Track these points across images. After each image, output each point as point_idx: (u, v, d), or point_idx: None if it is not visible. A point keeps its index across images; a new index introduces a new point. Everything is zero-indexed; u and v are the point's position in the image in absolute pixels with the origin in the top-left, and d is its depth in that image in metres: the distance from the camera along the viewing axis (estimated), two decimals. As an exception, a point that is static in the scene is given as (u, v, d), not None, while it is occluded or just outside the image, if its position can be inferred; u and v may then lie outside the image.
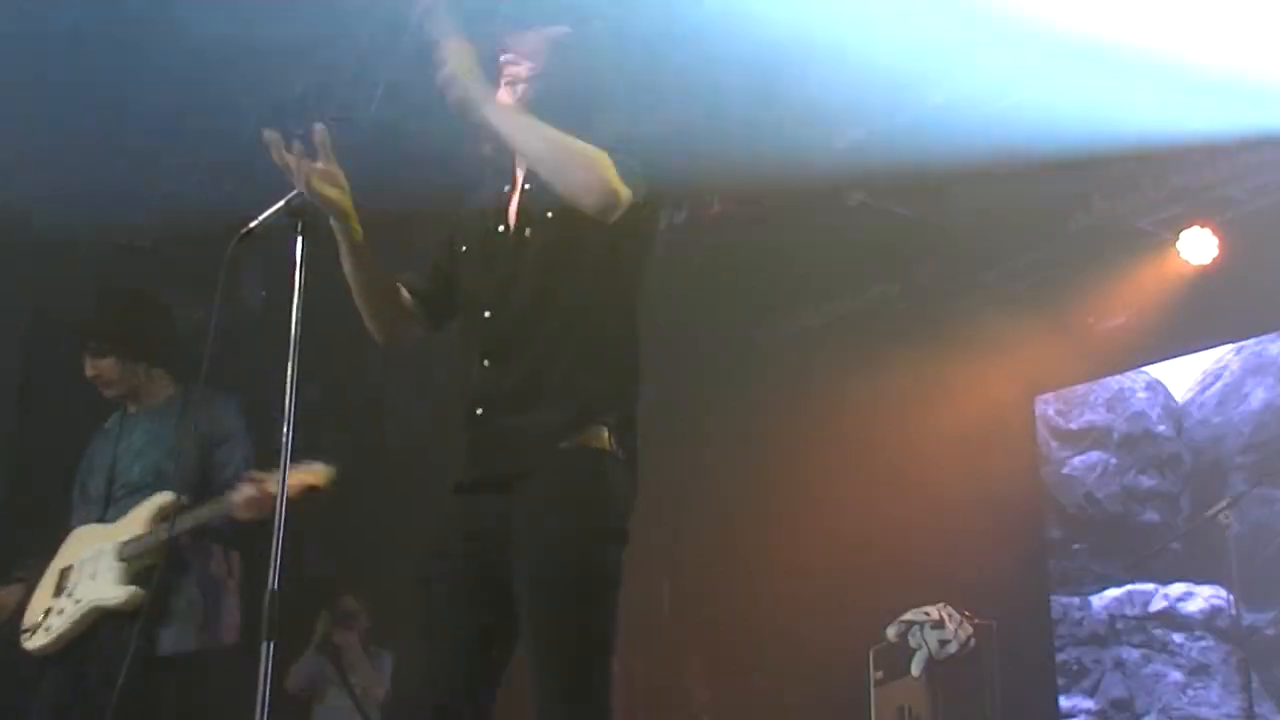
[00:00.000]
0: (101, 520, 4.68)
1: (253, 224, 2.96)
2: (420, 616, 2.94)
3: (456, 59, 2.86)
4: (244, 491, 4.25)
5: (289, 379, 2.87)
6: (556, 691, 2.75)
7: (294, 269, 2.93)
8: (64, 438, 5.12)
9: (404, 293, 3.16)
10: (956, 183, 6.43)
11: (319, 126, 2.87)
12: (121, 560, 4.50)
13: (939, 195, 6.90)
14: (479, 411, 2.98)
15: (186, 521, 4.37)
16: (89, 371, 4.78)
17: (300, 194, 2.89)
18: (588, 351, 2.94)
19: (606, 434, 2.90)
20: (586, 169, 2.81)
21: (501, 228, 3.07)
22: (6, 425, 7.32)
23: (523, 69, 3.02)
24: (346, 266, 3.02)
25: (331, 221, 2.93)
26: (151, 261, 7.00)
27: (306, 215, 2.93)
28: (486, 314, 3.02)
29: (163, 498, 4.58)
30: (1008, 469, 7.79)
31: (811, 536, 8.08)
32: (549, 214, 2.98)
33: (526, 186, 3.06)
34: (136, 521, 4.58)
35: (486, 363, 3.00)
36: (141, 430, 4.78)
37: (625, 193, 2.81)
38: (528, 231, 3.03)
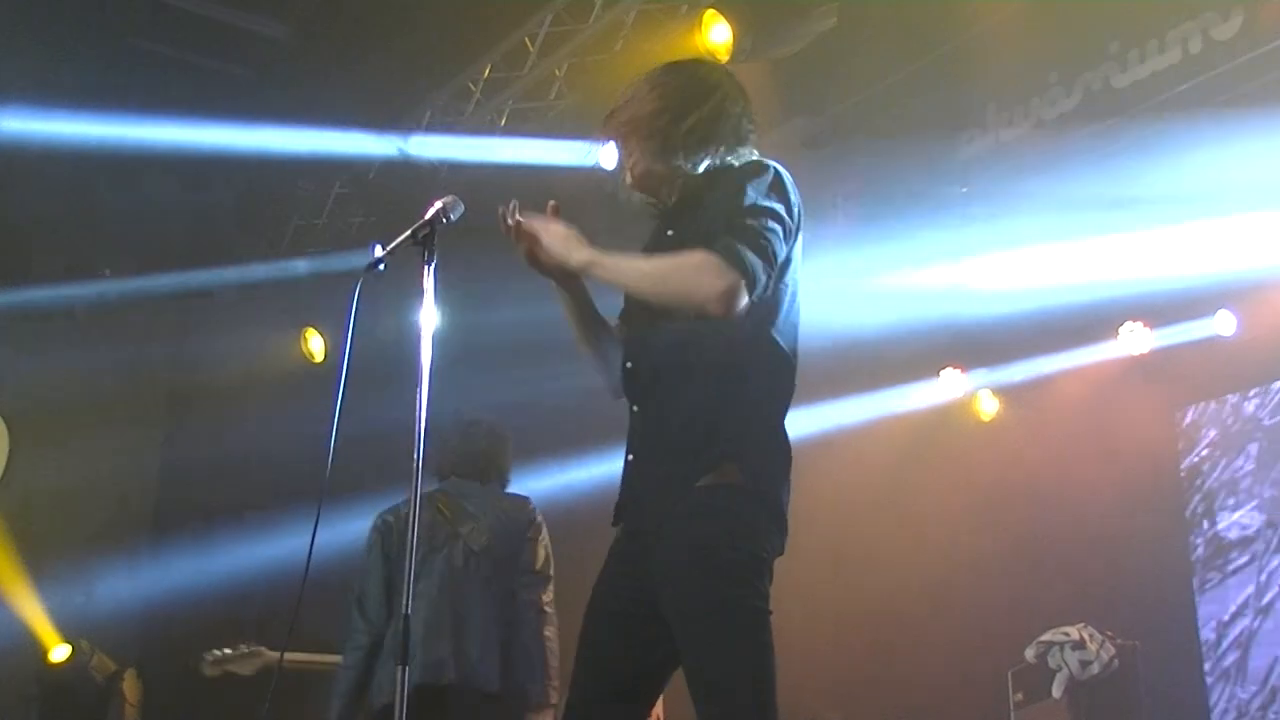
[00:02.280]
0: None
1: (381, 255, 3.01)
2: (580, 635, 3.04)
3: (550, 237, 2.94)
4: None
5: (419, 404, 2.91)
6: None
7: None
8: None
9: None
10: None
11: (552, 203, 3.01)
12: None
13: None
14: (629, 458, 3.06)
15: None
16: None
17: (426, 225, 2.96)
18: (711, 390, 2.94)
19: (735, 468, 2.90)
20: (692, 289, 2.82)
21: None
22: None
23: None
24: (571, 325, 3.14)
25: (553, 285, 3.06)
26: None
27: (432, 245, 2.98)
28: (628, 364, 3.07)
29: None
30: (1150, 484, 7.59)
31: (948, 555, 7.96)
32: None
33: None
34: None
35: (635, 409, 3.06)
36: None
37: (740, 284, 2.77)
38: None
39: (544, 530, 4.98)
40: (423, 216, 2.99)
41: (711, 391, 2.93)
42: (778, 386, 3.02)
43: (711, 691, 2.79)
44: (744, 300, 2.79)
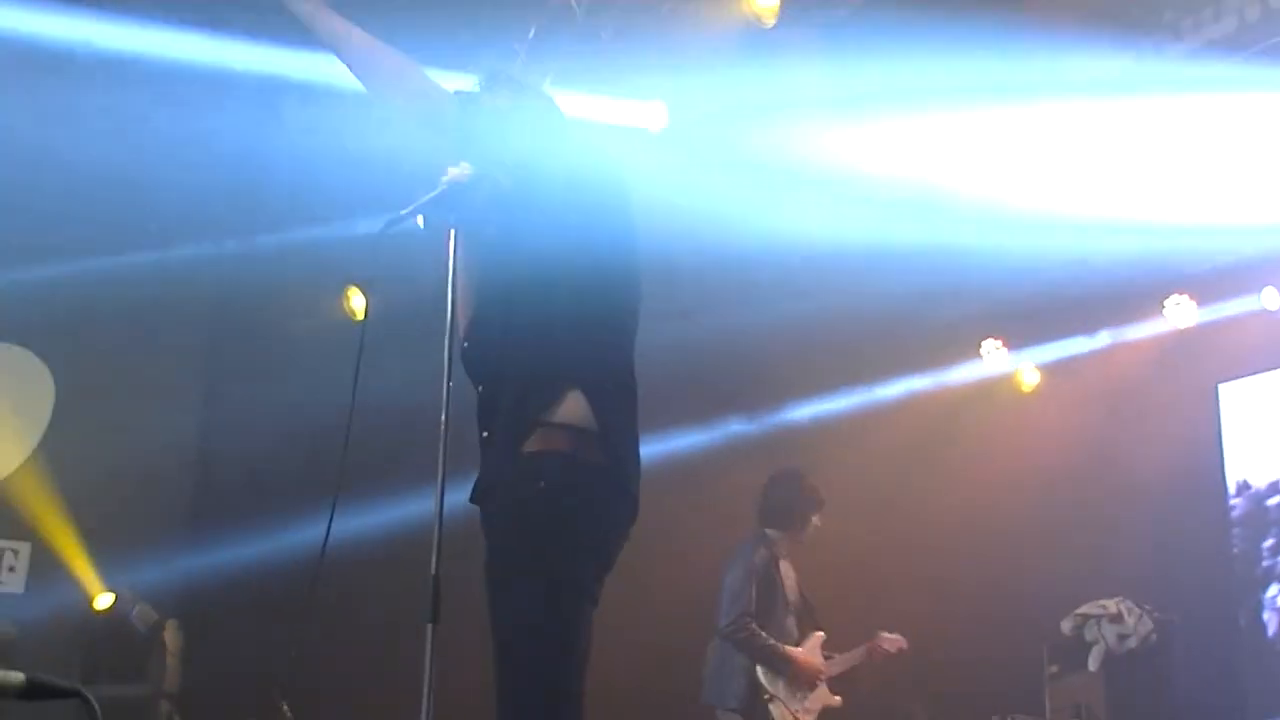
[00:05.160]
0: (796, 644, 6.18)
1: (395, 217, 2.99)
2: None
3: None
4: (894, 637, 6.40)
5: (445, 370, 2.92)
6: None
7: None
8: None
9: None
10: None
11: None
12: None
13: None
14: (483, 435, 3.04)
15: (851, 656, 6.31)
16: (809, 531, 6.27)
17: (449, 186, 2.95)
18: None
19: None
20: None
21: None
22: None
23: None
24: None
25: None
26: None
27: (459, 208, 2.98)
28: (465, 344, 3.05)
29: (820, 633, 6.29)
30: (1191, 459, 7.51)
31: (988, 526, 7.92)
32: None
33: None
34: (815, 650, 6.24)
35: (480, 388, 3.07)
36: (791, 568, 6.33)
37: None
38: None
39: None
40: (444, 179, 2.98)
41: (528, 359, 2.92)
42: (598, 332, 2.98)
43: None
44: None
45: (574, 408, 2.87)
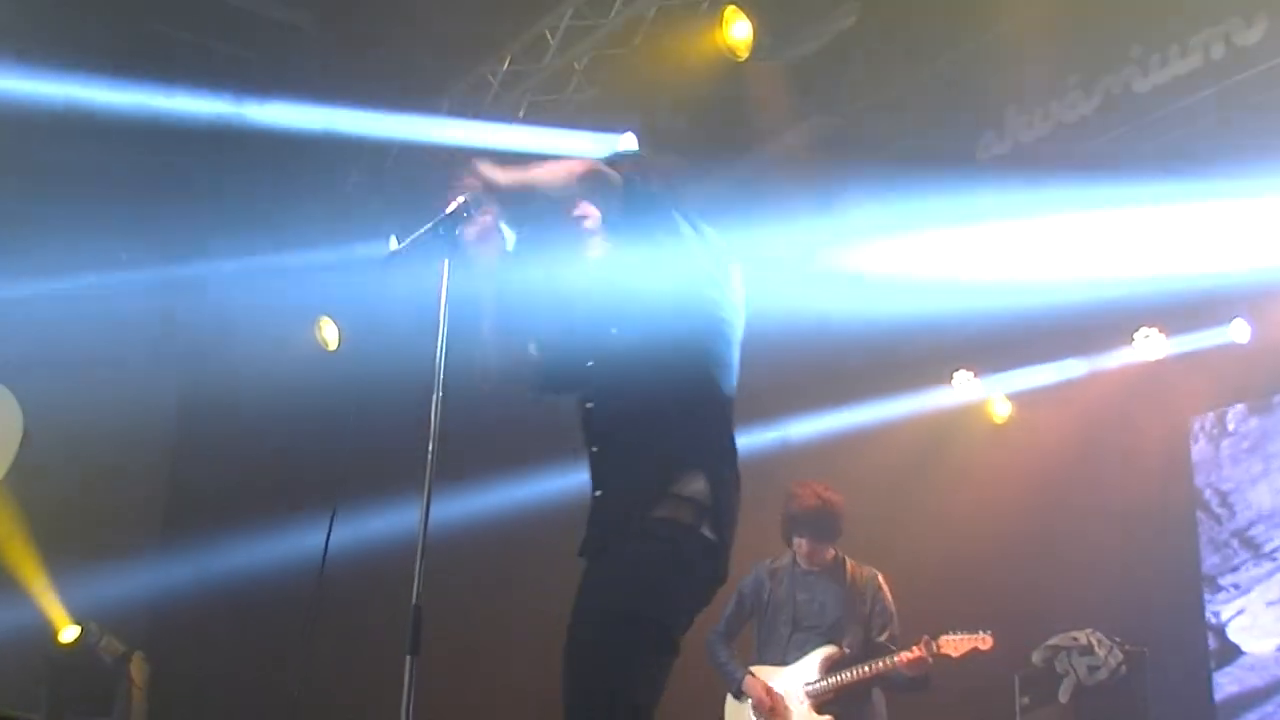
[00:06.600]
0: (782, 663, 6.07)
1: (399, 246, 3.03)
2: None
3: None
4: (912, 653, 5.88)
5: (434, 399, 2.92)
6: None
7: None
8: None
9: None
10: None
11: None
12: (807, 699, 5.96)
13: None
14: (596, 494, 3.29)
15: (854, 673, 5.91)
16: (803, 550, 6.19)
17: (446, 218, 2.98)
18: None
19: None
20: None
21: None
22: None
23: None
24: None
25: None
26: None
27: (453, 238, 3.00)
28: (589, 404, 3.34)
29: (830, 649, 6.01)
30: (1161, 491, 7.57)
31: (957, 556, 7.94)
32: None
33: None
34: (812, 668, 5.98)
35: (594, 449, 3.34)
36: (820, 585, 6.14)
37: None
38: None
39: None
40: (444, 211, 3.01)
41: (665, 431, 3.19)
42: (720, 424, 3.28)
43: None
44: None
45: (698, 485, 3.15)
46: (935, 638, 5.97)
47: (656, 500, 3.11)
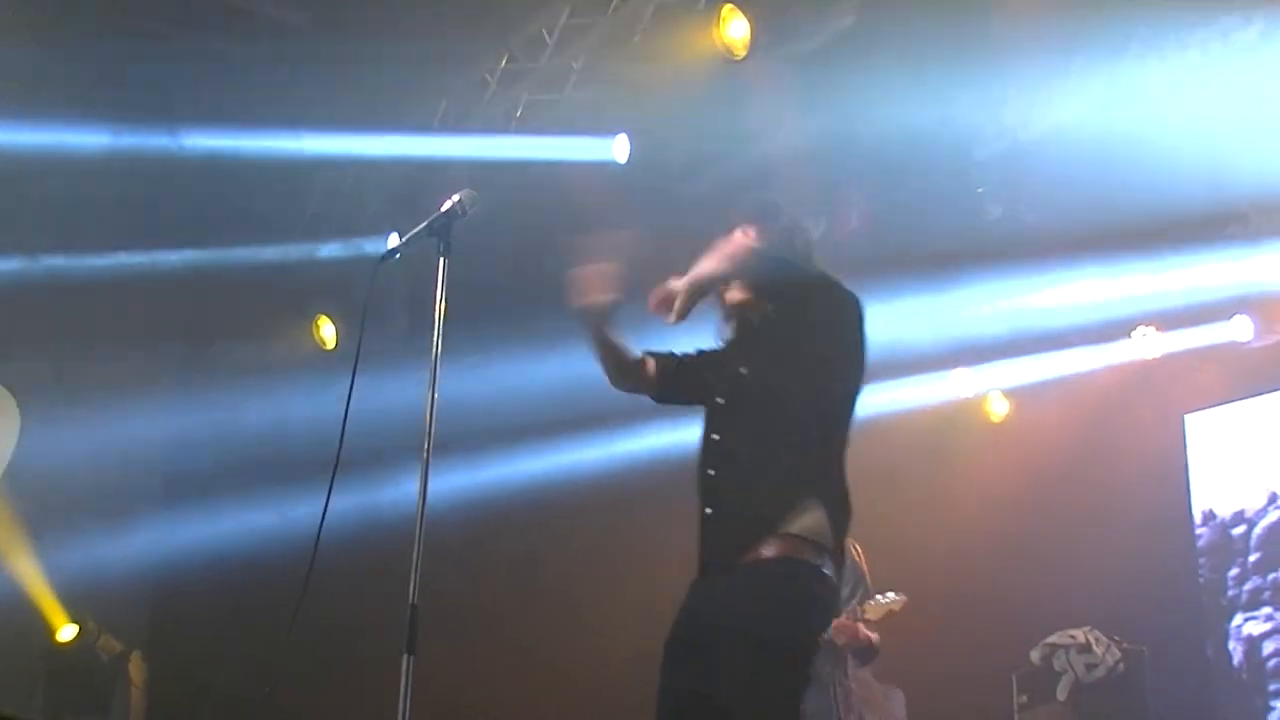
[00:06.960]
0: None
1: (396, 245, 3.03)
2: None
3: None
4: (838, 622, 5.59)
5: (429, 396, 2.92)
6: None
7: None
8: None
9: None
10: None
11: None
12: None
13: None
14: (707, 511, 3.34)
15: None
16: None
17: (443, 217, 2.97)
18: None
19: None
20: None
21: None
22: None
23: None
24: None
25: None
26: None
27: (448, 237, 2.99)
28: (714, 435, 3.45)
29: None
30: (1158, 488, 7.57)
31: (955, 555, 7.94)
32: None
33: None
34: None
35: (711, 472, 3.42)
36: None
37: None
38: None
39: None
40: (439, 209, 3.00)
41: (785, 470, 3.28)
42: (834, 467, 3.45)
43: None
44: None
45: (819, 523, 3.31)
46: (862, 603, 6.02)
47: (763, 537, 3.22)
